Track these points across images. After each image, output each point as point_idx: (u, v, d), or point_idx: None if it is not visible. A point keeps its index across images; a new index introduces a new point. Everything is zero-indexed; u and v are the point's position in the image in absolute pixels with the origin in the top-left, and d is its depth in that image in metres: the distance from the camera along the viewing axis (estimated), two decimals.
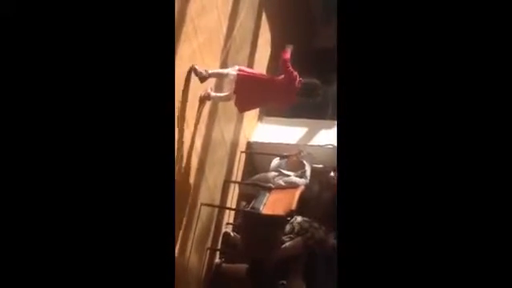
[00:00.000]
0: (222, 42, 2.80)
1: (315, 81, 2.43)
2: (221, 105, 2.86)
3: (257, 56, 3.45)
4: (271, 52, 3.70)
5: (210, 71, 2.42)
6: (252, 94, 2.38)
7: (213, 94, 2.57)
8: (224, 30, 2.82)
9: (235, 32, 2.94)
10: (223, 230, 3.00)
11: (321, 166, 2.84)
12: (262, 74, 2.54)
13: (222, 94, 2.54)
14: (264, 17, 3.54)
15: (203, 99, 2.56)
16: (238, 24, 2.96)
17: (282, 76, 2.40)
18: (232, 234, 2.92)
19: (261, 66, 3.59)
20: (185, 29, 2.34)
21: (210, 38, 2.62)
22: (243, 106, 2.49)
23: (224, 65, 2.85)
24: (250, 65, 3.31)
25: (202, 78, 2.40)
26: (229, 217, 3.10)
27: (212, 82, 2.62)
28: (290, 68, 2.38)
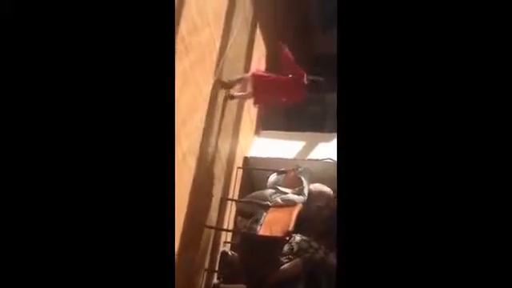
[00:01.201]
0: (214, 60, 2.77)
1: (321, 78, 2.71)
2: (216, 119, 2.83)
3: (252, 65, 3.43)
4: (266, 65, 3.68)
5: (230, 79, 2.87)
6: (267, 91, 2.77)
7: (236, 93, 2.94)
8: (217, 47, 2.79)
9: (228, 49, 2.92)
10: (221, 249, 2.94)
11: (321, 187, 2.78)
12: (273, 75, 2.83)
13: (243, 93, 2.98)
14: (258, 31, 3.52)
15: (227, 98, 2.90)
16: (231, 40, 2.94)
17: (290, 75, 2.68)
18: (230, 253, 2.86)
19: None
20: (176, 47, 2.32)
21: (202, 56, 2.60)
22: (261, 102, 2.92)
23: (217, 82, 2.82)
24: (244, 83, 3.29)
25: (227, 86, 2.85)
26: (226, 236, 3.05)
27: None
28: (296, 66, 2.66)
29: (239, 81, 2.92)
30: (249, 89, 2.90)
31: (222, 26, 2.84)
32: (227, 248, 2.93)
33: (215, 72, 2.80)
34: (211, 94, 2.77)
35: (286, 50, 2.70)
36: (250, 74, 2.81)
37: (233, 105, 3.15)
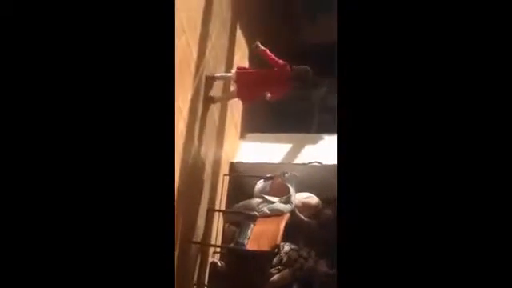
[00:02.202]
0: (192, 68, 2.66)
1: (306, 67, 2.67)
2: (198, 126, 2.75)
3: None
4: (249, 64, 3.58)
5: (215, 75, 2.87)
6: (251, 86, 2.72)
7: (217, 96, 2.88)
8: (194, 54, 2.67)
9: (207, 55, 2.80)
10: (210, 259, 2.90)
11: (305, 198, 2.74)
12: (257, 70, 2.83)
13: (225, 94, 2.94)
14: (239, 31, 3.40)
15: (208, 101, 2.84)
16: (209, 46, 2.83)
17: (275, 68, 2.67)
18: (219, 263, 2.82)
19: None
20: None
21: (178, 65, 2.49)
22: (246, 98, 2.84)
23: (197, 91, 2.72)
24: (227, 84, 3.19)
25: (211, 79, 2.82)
26: (215, 243, 3.00)
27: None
28: (275, 58, 2.63)
29: (223, 78, 2.91)
30: (232, 89, 2.86)
31: (198, 32, 2.72)
32: (216, 258, 2.89)
33: (194, 79, 2.69)
34: (191, 102, 2.67)
35: (261, 47, 2.70)
36: (233, 71, 2.78)
37: (215, 111, 3.06)
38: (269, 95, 2.69)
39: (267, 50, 2.67)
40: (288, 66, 2.64)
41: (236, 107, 3.45)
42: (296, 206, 2.61)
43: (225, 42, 3.18)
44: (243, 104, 3.08)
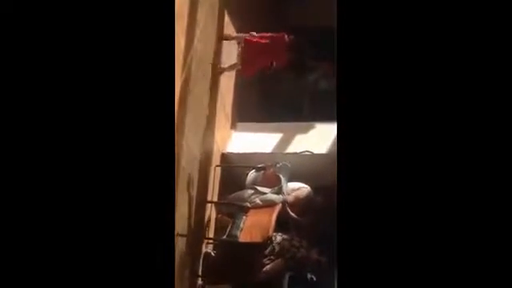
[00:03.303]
0: (180, 58, 2.59)
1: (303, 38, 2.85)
2: (188, 116, 2.71)
3: (224, 58, 3.26)
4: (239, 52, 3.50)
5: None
6: (253, 57, 2.88)
7: (224, 66, 3.05)
8: (181, 44, 2.60)
9: (196, 43, 2.73)
10: (203, 250, 2.92)
11: (296, 190, 2.75)
12: (261, 37, 2.93)
13: (228, 65, 3.08)
14: (227, 18, 3.31)
15: (217, 73, 3.00)
16: (197, 35, 2.75)
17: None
18: (213, 253, 2.85)
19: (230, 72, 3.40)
20: None
21: None
22: (248, 71, 3.02)
23: (186, 81, 2.66)
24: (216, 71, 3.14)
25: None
26: (207, 234, 3.02)
27: None
28: (271, 34, 2.83)
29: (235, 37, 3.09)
30: (236, 60, 3.04)
31: (185, 21, 2.63)
32: (210, 248, 2.92)
33: (182, 69, 2.63)
34: (180, 93, 2.62)
35: (254, 35, 2.90)
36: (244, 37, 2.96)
37: (205, 100, 3.01)
38: (272, 64, 2.87)
39: (260, 36, 2.83)
40: (286, 36, 2.85)
41: (227, 96, 3.41)
42: (287, 202, 2.62)
43: (212, 30, 3.10)
44: (245, 75, 3.20)
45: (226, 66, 3.09)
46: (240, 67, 3.01)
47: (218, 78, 3.19)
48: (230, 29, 3.38)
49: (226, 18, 3.30)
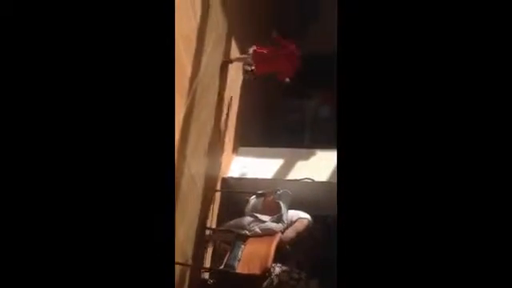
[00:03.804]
0: (186, 84, 2.63)
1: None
2: (191, 143, 2.72)
3: (229, 82, 3.32)
4: (243, 78, 3.56)
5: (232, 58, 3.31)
6: (265, 63, 3.11)
7: (234, 57, 3.27)
8: (188, 71, 2.65)
9: (203, 68, 2.78)
10: (200, 277, 2.86)
11: (297, 214, 2.73)
12: (270, 48, 3.16)
13: (241, 56, 3.26)
14: (234, 44, 3.38)
15: (225, 64, 3.19)
16: (204, 60, 2.80)
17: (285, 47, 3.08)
18: (210, 281, 2.79)
19: (234, 91, 3.45)
20: None
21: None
22: (260, 70, 3.16)
23: (191, 108, 2.69)
24: (221, 96, 3.18)
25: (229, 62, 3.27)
26: (206, 258, 2.97)
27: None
28: (286, 42, 3.05)
29: (242, 59, 3.29)
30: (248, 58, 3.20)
31: (193, 47, 2.69)
32: (207, 276, 2.86)
33: (188, 96, 2.66)
34: (184, 119, 2.64)
35: (275, 35, 3.09)
36: (251, 49, 3.15)
37: (208, 127, 3.03)
38: (282, 76, 3.08)
39: (278, 37, 3.06)
40: (295, 49, 3.07)
41: (230, 121, 3.43)
42: (287, 239, 2.57)
43: (219, 57, 3.16)
44: (257, 72, 3.31)
45: (235, 57, 3.28)
46: (252, 62, 3.15)
47: (223, 103, 3.23)
48: (235, 56, 3.45)
49: (233, 45, 3.38)
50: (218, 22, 3.07)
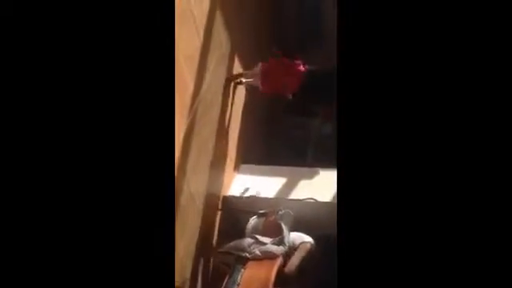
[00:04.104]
0: (188, 102, 2.62)
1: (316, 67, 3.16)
2: (191, 160, 2.68)
3: (231, 99, 3.30)
4: (246, 96, 3.55)
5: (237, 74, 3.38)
6: (272, 77, 3.14)
7: (244, 80, 3.33)
8: (190, 89, 2.64)
9: (205, 87, 2.77)
10: None
11: (299, 238, 2.65)
12: (277, 61, 3.20)
13: (251, 79, 3.30)
14: (237, 62, 3.39)
15: (235, 84, 3.32)
16: (207, 78, 2.80)
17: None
18: None
19: (237, 109, 3.43)
20: None
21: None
22: (267, 88, 3.22)
23: (192, 125, 2.67)
24: (223, 114, 3.16)
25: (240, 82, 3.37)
26: (205, 280, 2.87)
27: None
28: (289, 60, 3.11)
29: (248, 75, 3.34)
30: (256, 77, 3.25)
31: (196, 66, 2.69)
32: None
33: (189, 113, 2.64)
34: (184, 136, 2.61)
35: (275, 50, 3.18)
36: (258, 67, 3.21)
37: (209, 144, 3.01)
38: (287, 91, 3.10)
39: (280, 52, 3.14)
40: (300, 65, 3.11)
41: (232, 137, 3.40)
42: (290, 271, 2.46)
43: (222, 73, 3.16)
44: (264, 93, 3.32)
45: (245, 80, 3.32)
46: (259, 82, 3.18)
47: (225, 121, 3.21)
48: (238, 72, 3.45)
49: (236, 63, 3.39)
50: (222, 41, 3.09)
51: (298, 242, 2.57)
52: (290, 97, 3.15)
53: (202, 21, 2.75)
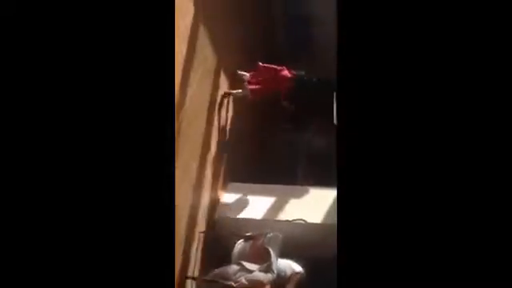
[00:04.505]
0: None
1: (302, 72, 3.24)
2: (178, 179, 2.52)
3: (218, 114, 3.18)
4: (234, 109, 3.43)
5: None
6: (261, 83, 3.22)
7: (232, 91, 3.36)
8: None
9: (188, 103, 2.64)
10: None
11: (289, 269, 2.50)
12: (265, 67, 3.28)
13: (240, 91, 3.35)
14: (222, 75, 3.27)
15: (225, 96, 3.30)
16: (190, 93, 2.67)
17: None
18: None
19: (224, 124, 3.30)
20: None
21: None
22: (257, 95, 3.29)
23: (177, 142, 2.53)
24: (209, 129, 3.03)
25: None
26: None
27: None
28: (271, 67, 3.19)
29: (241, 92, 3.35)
30: (246, 89, 3.30)
31: (179, 82, 2.56)
32: None
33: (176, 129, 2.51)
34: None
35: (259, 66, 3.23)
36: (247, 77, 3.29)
37: (192, 164, 2.86)
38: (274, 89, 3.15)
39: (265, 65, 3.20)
40: (285, 70, 3.18)
41: (218, 155, 3.27)
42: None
43: (207, 88, 3.04)
44: (254, 99, 3.34)
45: (236, 92, 3.33)
46: (248, 92, 3.23)
47: (211, 137, 3.08)
48: (224, 88, 3.34)
49: (222, 77, 3.27)
50: (206, 57, 2.97)
51: (288, 272, 2.42)
52: (284, 104, 3.19)
53: (185, 36, 2.63)
